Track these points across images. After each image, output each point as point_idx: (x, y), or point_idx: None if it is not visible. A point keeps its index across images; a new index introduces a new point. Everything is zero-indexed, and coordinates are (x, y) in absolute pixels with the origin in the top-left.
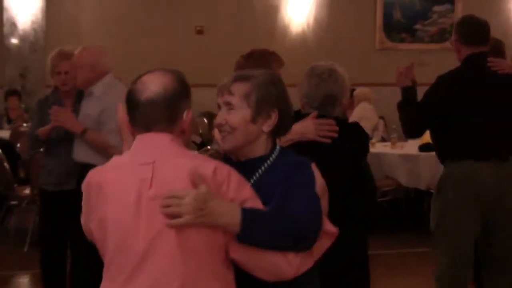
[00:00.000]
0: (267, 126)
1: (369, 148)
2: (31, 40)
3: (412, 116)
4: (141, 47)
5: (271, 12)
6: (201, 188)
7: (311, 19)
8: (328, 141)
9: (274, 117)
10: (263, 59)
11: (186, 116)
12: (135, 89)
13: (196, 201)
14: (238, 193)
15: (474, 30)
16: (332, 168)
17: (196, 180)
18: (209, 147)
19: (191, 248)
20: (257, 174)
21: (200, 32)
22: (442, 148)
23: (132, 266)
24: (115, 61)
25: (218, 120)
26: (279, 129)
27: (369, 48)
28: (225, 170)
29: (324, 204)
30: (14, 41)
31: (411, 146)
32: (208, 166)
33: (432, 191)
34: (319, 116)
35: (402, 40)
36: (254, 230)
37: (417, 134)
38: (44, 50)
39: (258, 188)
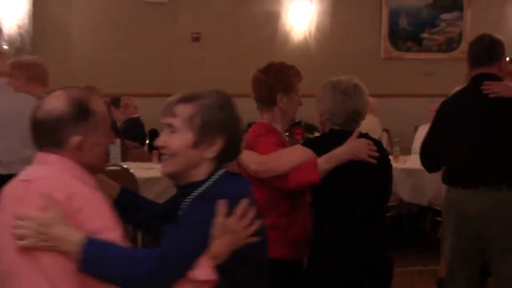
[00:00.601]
0: (210, 153)
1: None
2: (17, 46)
3: (423, 150)
4: (135, 54)
5: (271, 19)
6: (47, 212)
7: (313, 27)
8: (375, 161)
9: (218, 144)
10: (281, 73)
11: (74, 142)
12: (38, 105)
13: (38, 225)
14: (91, 223)
15: (476, 51)
16: (378, 185)
17: (45, 204)
18: None
19: (44, 270)
20: (186, 201)
21: (196, 39)
22: (443, 171)
23: None
24: (106, 69)
25: (158, 142)
26: (224, 156)
27: (374, 57)
28: (82, 198)
29: (218, 245)
30: None
31: (415, 161)
32: (64, 191)
33: (435, 207)
34: (343, 133)
35: (408, 49)
36: (93, 263)
37: (434, 166)
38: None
39: (182, 215)
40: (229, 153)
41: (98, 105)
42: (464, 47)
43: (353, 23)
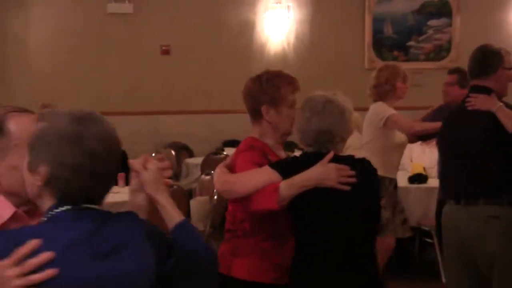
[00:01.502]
0: (37, 180)
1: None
2: None
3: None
4: (99, 70)
5: (247, 29)
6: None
7: (291, 36)
8: (347, 188)
9: (43, 173)
10: (269, 83)
11: None
12: None
13: None
14: None
15: (470, 62)
16: (351, 214)
17: None
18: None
19: None
20: None
21: (166, 52)
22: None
23: None
24: (67, 85)
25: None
26: (58, 188)
27: (357, 68)
28: None
29: None
30: None
31: (400, 178)
32: None
33: (424, 228)
34: (316, 155)
35: (394, 59)
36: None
37: None
38: None
39: None
40: (63, 185)
41: (17, 125)
42: (453, 55)
43: (334, 31)
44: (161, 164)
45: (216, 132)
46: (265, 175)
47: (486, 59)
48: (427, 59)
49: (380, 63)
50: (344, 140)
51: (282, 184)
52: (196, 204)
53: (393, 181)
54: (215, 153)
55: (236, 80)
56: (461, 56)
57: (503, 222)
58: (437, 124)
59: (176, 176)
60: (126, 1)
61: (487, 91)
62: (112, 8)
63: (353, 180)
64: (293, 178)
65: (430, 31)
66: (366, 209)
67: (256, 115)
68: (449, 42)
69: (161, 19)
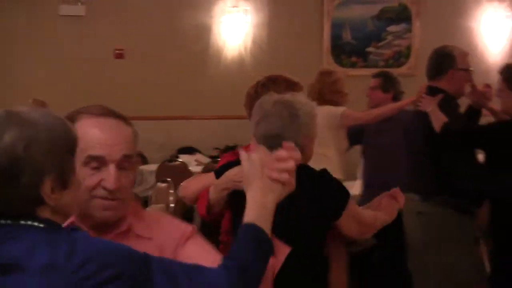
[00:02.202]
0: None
1: (341, 207)
2: None
3: None
4: (49, 74)
5: (203, 33)
6: None
7: (249, 41)
8: None
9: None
10: (266, 87)
11: None
12: None
13: None
14: None
15: (426, 64)
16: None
17: None
18: None
19: None
20: None
21: (120, 56)
22: None
23: None
24: (16, 91)
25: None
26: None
27: (315, 73)
28: None
29: None
30: None
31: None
32: None
33: None
34: None
35: (353, 65)
36: None
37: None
38: None
39: None
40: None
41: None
42: (413, 61)
43: (292, 36)
44: (279, 154)
45: (172, 138)
46: (204, 179)
47: (438, 60)
48: (386, 65)
49: (338, 69)
50: (298, 146)
51: (211, 187)
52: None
53: None
54: (170, 160)
55: (193, 85)
56: (420, 62)
57: (427, 218)
58: (394, 106)
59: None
60: (79, 3)
61: (439, 92)
62: (64, 10)
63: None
64: (217, 181)
65: (390, 37)
66: (293, 218)
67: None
68: (409, 48)
69: (114, 22)
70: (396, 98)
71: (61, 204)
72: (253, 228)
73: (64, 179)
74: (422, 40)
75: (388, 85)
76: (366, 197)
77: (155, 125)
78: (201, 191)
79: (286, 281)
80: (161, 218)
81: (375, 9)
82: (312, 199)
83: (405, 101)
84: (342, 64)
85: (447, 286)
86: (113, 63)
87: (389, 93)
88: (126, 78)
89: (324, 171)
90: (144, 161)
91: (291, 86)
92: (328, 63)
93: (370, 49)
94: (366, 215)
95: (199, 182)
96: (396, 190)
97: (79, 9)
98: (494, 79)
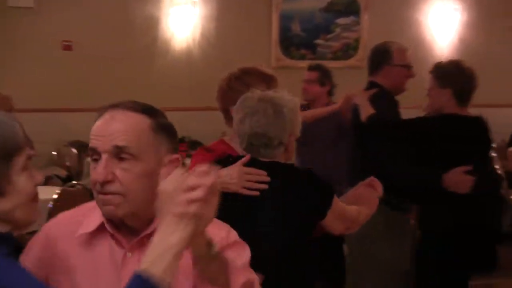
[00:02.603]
0: None
1: (326, 206)
2: None
3: None
4: None
5: (151, 25)
6: None
7: (197, 33)
8: (256, 193)
9: None
10: (238, 81)
11: None
12: None
13: None
14: None
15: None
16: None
17: None
18: (74, 181)
19: None
20: None
21: (68, 47)
22: None
23: None
24: None
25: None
26: None
27: (264, 67)
28: None
29: None
30: None
31: None
32: None
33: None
34: (251, 161)
35: (301, 57)
36: None
37: None
38: None
39: None
40: None
41: None
42: (361, 54)
43: (240, 28)
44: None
45: None
46: None
47: (375, 56)
48: (335, 57)
49: (287, 62)
50: (283, 144)
51: None
52: None
53: None
54: None
55: (140, 76)
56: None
57: None
58: (328, 109)
59: (78, 175)
60: None
61: (375, 86)
62: (13, 1)
63: (263, 186)
64: None
65: (338, 30)
66: (280, 215)
67: (226, 116)
68: (357, 40)
69: (63, 13)
70: (331, 91)
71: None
72: (139, 280)
73: None
74: (370, 33)
75: (325, 78)
76: None
77: None
78: None
79: (273, 278)
80: None
81: (323, 1)
82: (299, 196)
83: (335, 106)
84: (291, 56)
85: (380, 277)
86: (61, 54)
87: (326, 86)
88: (75, 70)
89: (309, 170)
90: None
91: (266, 79)
92: (276, 55)
93: (318, 41)
94: (350, 211)
95: None
96: (372, 178)
97: (27, 1)
98: None
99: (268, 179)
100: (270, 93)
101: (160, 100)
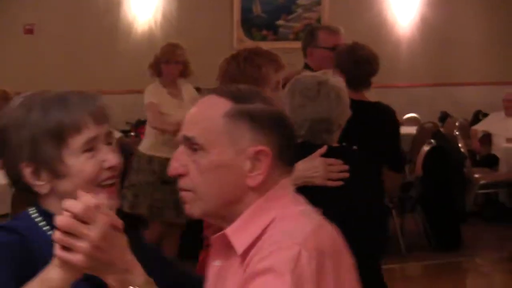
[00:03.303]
0: None
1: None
2: None
3: None
4: None
5: (113, 7)
6: None
7: (159, 15)
8: (339, 183)
9: None
10: (250, 61)
11: None
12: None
13: None
14: None
15: None
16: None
17: None
18: None
19: None
20: None
21: (29, 31)
22: None
23: None
24: None
25: None
26: None
27: (226, 48)
28: None
29: None
30: None
31: None
32: None
33: None
34: (310, 146)
35: (263, 38)
36: None
37: None
38: None
39: None
40: None
41: None
42: None
43: (202, 10)
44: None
45: None
46: None
47: (303, 38)
48: (297, 38)
49: (249, 43)
50: (341, 127)
51: None
52: None
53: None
54: None
55: (103, 59)
56: None
57: None
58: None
59: None
60: None
61: (307, 68)
62: None
63: (345, 175)
64: None
65: (299, 10)
66: (363, 208)
67: None
68: (318, 21)
69: None
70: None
71: (58, 194)
72: None
73: (50, 166)
74: (331, 13)
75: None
76: None
77: None
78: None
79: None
80: (274, 231)
81: None
82: (368, 178)
83: None
84: (252, 37)
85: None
86: (23, 38)
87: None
88: (36, 53)
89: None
90: None
91: (275, 58)
92: (238, 36)
93: (280, 22)
94: None
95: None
96: None
97: None
98: (404, 51)
99: (347, 167)
100: (322, 75)
101: (123, 82)
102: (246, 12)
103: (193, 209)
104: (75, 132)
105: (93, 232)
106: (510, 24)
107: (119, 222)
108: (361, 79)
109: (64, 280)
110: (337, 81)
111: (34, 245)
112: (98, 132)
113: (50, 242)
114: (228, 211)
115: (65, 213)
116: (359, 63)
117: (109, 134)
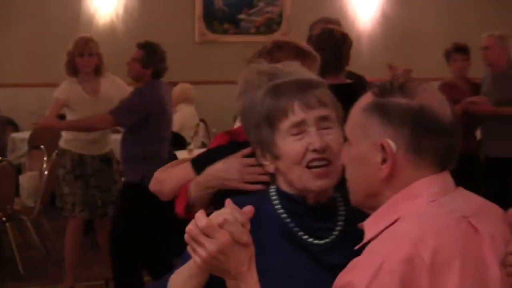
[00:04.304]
0: None
1: None
2: None
3: None
4: None
5: (74, 0)
6: None
7: (120, 8)
8: (258, 187)
9: None
10: (270, 56)
11: None
12: (435, 106)
13: None
14: None
15: None
16: None
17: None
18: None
19: None
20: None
21: None
22: None
23: None
24: None
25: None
26: None
27: (188, 41)
28: None
29: None
30: None
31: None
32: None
33: None
34: (238, 145)
35: (225, 32)
36: None
37: None
38: None
39: None
40: None
41: None
42: (284, 28)
43: (164, 3)
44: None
45: (45, 106)
46: (181, 172)
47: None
48: (258, 32)
49: (211, 36)
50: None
51: (191, 183)
52: (26, 179)
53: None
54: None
55: (63, 52)
56: (292, 29)
57: None
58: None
59: (3, 151)
60: None
61: None
62: None
63: (265, 178)
64: (199, 177)
65: (261, 4)
66: None
67: None
68: (280, 15)
69: None
70: (157, 74)
71: (281, 173)
72: None
73: (268, 148)
74: (293, 7)
75: (149, 60)
76: None
77: (27, 92)
78: (180, 187)
79: None
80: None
81: None
82: None
83: None
84: (214, 31)
85: None
86: None
87: (149, 69)
88: None
89: None
90: (15, 128)
91: (303, 54)
92: (200, 30)
93: (241, 16)
94: None
95: (176, 175)
96: None
97: None
98: (365, 46)
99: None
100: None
101: None
102: (208, 5)
103: (330, 181)
104: (283, 117)
105: (211, 246)
106: (469, 20)
107: (244, 238)
108: (342, 60)
109: (196, 269)
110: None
111: (263, 217)
112: (305, 117)
113: (275, 218)
114: (374, 203)
115: (193, 221)
116: (338, 45)
117: (322, 119)
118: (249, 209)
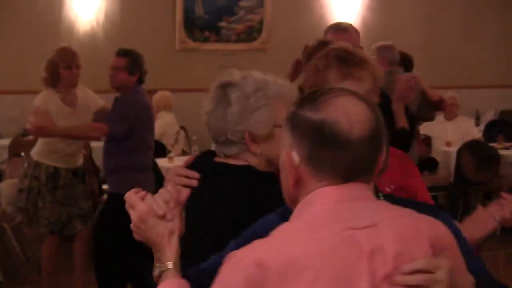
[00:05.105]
0: None
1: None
2: None
3: None
4: None
5: (54, 6)
6: (444, 258)
7: (101, 15)
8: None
9: None
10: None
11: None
12: (339, 121)
13: (448, 276)
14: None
15: None
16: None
17: (436, 246)
18: None
19: None
20: None
21: None
22: None
23: None
24: None
25: None
26: None
27: (168, 49)
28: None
29: None
30: None
31: None
32: (439, 225)
33: None
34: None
35: (205, 40)
36: None
37: None
38: None
39: None
40: None
41: None
42: (265, 36)
43: (145, 10)
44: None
45: (25, 112)
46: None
47: None
48: (238, 40)
49: (191, 44)
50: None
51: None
52: (6, 187)
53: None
54: (23, 135)
55: (44, 58)
56: (272, 37)
57: None
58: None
59: None
60: None
61: None
62: None
63: (191, 182)
64: None
65: (242, 12)
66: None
67: None
68: (261, 23)
69: None
70: (140, 80)
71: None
72: None
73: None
74: (274, 15)
75: (135, 66)
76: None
77: (7, 99)
78: None
79: None
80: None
81: None
82: None
83: None
84: (194, 39)
85: None
86: None
87: (135, 75)
88: None
89: None
90: None
91: (347, 63)
92: (181, 37)
93: (222, 23)
94: None
95: None
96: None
97: None
98: None
99: (195, 175)
100: (233, 77)
101: None
102: (188, 13)
103: None
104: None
105: (133, 214)
106: (448, 28)
107: (159, 212)
108: None
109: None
110: (255, 82)
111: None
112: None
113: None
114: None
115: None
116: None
117: None
118: (186, 191)
